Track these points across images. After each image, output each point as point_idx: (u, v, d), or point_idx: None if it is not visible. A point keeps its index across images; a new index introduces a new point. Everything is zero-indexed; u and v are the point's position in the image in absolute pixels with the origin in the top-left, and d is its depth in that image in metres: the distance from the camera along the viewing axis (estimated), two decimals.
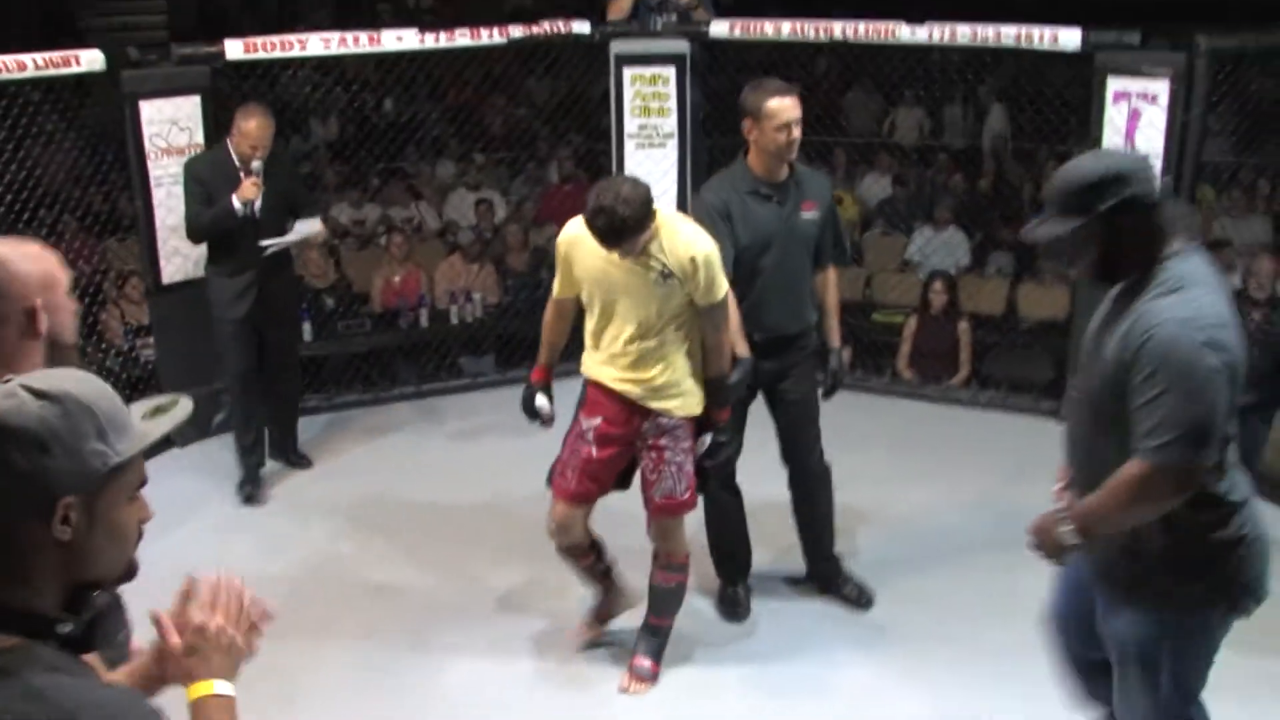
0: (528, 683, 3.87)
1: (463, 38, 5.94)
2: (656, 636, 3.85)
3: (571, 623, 4.07)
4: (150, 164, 5.35)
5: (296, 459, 5.50)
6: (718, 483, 4.11)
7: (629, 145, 6.13)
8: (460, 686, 3.87)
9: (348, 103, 9.56)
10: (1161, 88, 5.20)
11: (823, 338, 4.16)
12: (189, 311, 5.31)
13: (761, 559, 4.34)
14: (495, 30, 6.00)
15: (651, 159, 6.10)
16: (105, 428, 1.43)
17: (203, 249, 5.17)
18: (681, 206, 5.91)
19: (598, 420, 3.62)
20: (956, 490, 5.06)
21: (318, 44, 5.78)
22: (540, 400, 3.75)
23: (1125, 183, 2.40)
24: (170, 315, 5.56)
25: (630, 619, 3.99)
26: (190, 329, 5.32)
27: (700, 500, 4.13)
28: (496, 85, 8.51)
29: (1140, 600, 2.54)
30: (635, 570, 3.94)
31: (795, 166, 3.89)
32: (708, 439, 3.68)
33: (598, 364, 3.62)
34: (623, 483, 3.79)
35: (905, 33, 5.73)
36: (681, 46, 6.03)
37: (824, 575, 4.29)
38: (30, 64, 4.99)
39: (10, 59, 4.94)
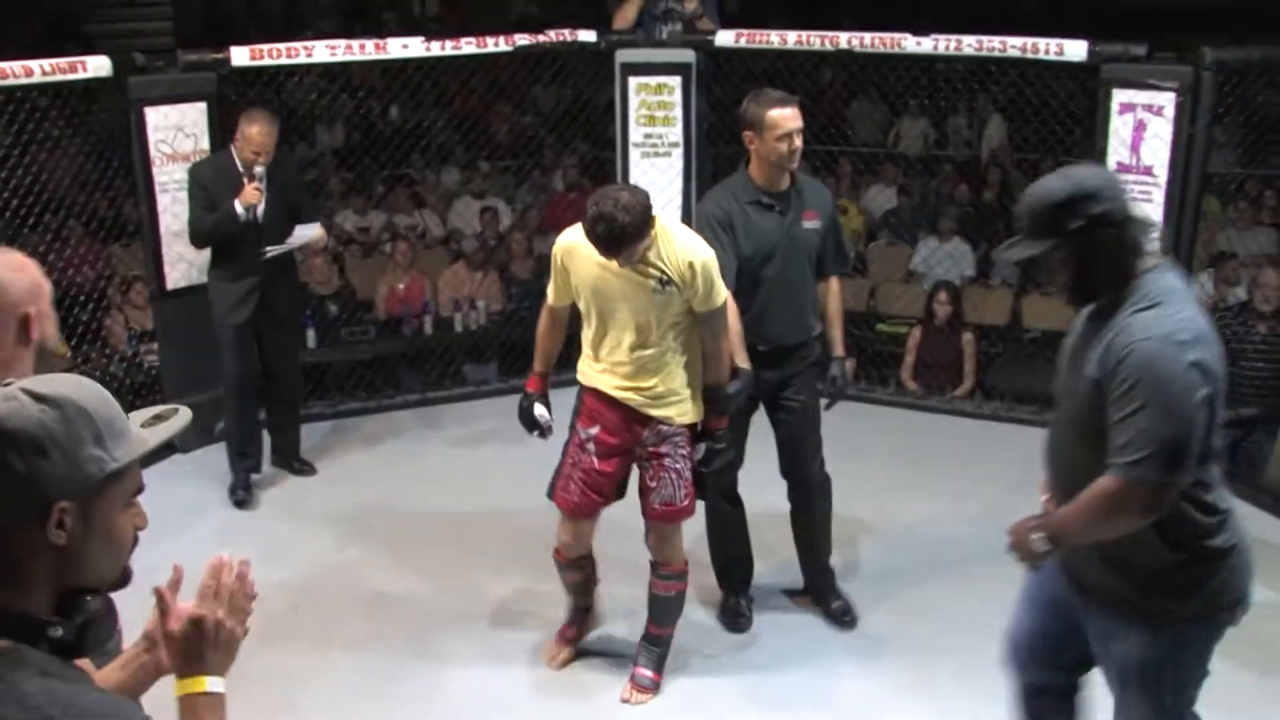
0: (528, 691, 3.86)
1: (469, 45, 5.95)
2: (658, 646, 3.84)
3: None
4: (155, 170, 5.36)
5: (299, 466, 5.49)
6: (719, 493, 4.12)
7: (634, 154, 6.13)
8: (461, 695, 3.86)
9: (354, 110, 9.59)
10: (1167, 99, 5.20)
11: (826, 348, 4.15)
12: (193, 317, 5.31)
13: (764, 570, 4.33)
14: (501, 38, 6.02)
15: (656, 168, 6.10)
16: (103, 434, 1.43)
17: (207, 255, 5.17)
18: (686, 216, 5.91)
19: (596, 429, 3.61)
20: (960, 501, 5.05)
21: (324, 51, 5.79)
22: (539, 410, 3.73)
23: (1095, 200, 2.38)
24: (174, 321, 5.57)
25: (631, 629, 3.98)
26: (194, 335, 5.32)
27: (702, 511, 4.14)
28: (502, 93, 8.51)
29: (1143, 620, 2.52)
30: (630, 582, 3.94)
31: (796, 176, 3.89)
32: (702, 447, 3.67)
33: (596, 373, 3.61)
34: (619, 492, 3.78)
35: (911, 43, 5.74)
36: (687, 56, 6.03)
37: (817, 587, 4.26)
38: (37, 70, 5.00)
39: (17, 65, 4.95)
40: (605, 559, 3.98)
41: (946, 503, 5.04)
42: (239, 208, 4.88)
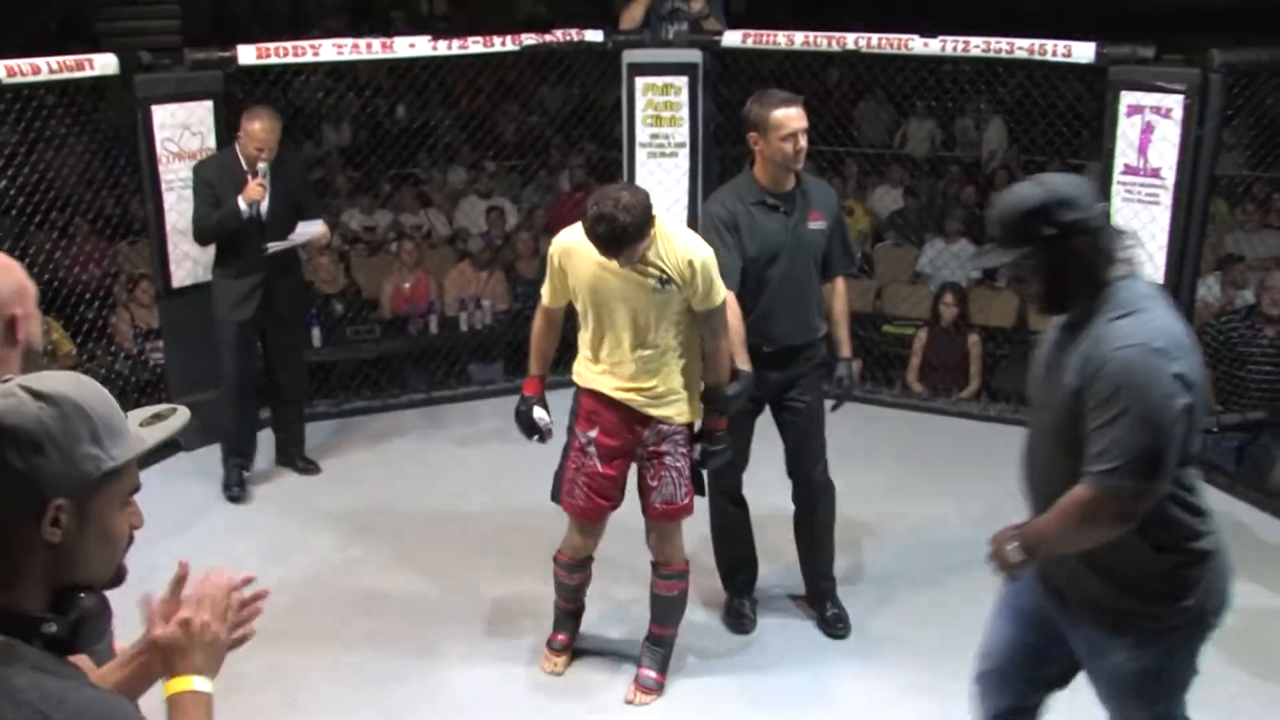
0: (531, 691, 3.86)
1: (475, 45, 5.95)
2: (661, 647, 3.84)
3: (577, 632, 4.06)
4: (162, 168, 5.36)
5: (304, 465, 5.50)
6: (724, 494, 4.11)
7: (640, 154, 6.13)
8: (464, 694, 3.86)
9: (360, 109, 9.59)
10: (1176, 102, 5.18)
11: (833, 348, 4.13)
12: (198, 315, 5.32)
13: (768, 572, 4.32)
14: (508, 38, 6.02)
15: (663, 168, 6.10)
16: (100, 432, 1.43)
17: (212, 252, 5.17)
18: (692, 217, 5.90)
19: (595, 432, 3.60)
20: (966, 503, 5.04)
21: (330, 50, 5.79)
22: (539, 413, 3.70)
23: (1069, 207, 2.37)
24: (180, 319, 5.57)
25: (633, 629, 3.97)
26: (199, 333, 5.32)
27: (707, 512, 4.14)
28: (509, 93, 8.51)
29: (1134, 630, 2.49)
30: (630, 582, 3.93)
31: (802, 177, 3.87)
32: (698, 447, 3.67)
33: (596, 374, 3.59)
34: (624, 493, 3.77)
35: (918, 44, 5.72)
36: (694, 56, 6.03)
37: (815, 592, 4.23)
38: (44, 68, 5.00)
39: (24, 62, 4.95)
40: (605, 559, 3.97)
41: (952, 505, 5.03)
42: (242, 204, 4.89)
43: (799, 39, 5.93)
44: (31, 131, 5.39)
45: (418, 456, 5.75)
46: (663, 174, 6.08)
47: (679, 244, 3.42)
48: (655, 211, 3.35)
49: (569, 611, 3.96)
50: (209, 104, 5.44)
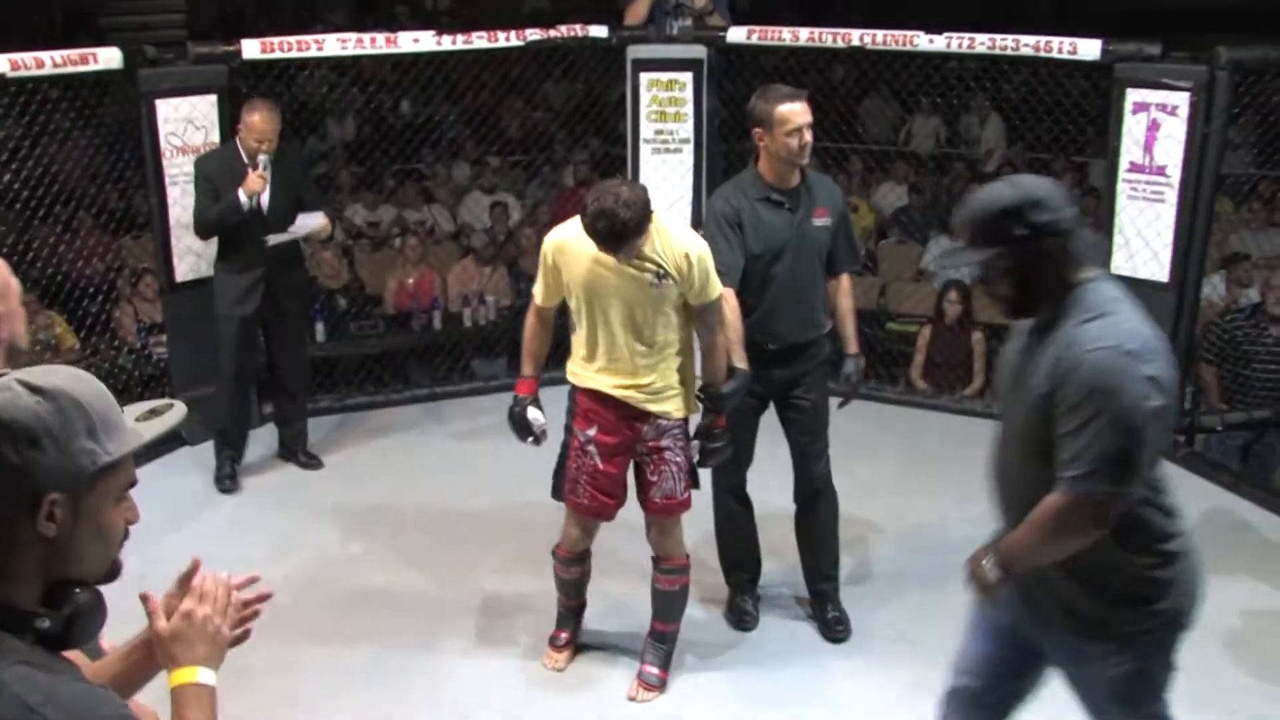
0: (534, 687, 3.86)
1: (480, 40, 5.94)
2: (664, 643, 3.83)
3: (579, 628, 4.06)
4: (165, 162, 5.36)
5: (307, 460, 5.49)
6: (728, 492, 4.10)
7: (645, 150, 6.12)
8: (466, 690, 3.85)
9: (364, 104, 9.58)
10: (1182, 99, 5.17)
11: (839, 345, 4.12)
12: (202, 310, 5.31)
13: (771, 570, 4.31)
14: (513, 33, 6.00)
15: (667, 164, 6.09)
16: (97, 427, 1.43)
17: (216, 247, 5.17)
18: (697, 212, 5.90)
19: (594, 430, 3.60)
20: (969, 501, 5.00)
21: (335, 44, 5.79)
22: (533, 413, 3.68)
23: (1041, 208, 2.35)
24: (183, 314, 5.56)
25: (635, 624, 3.96)
26: (203, 327, 5.32)
27: (710, 509, 4.13)
28: (513, 88, 8.51)
29: (1116, 636, 2.47)
30: (631, 579, 3.93)
31: (806, 173, 3.86)
32: (697, 444, 3.67)
33: (592, 372, 3.58)
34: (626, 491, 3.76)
35: (924, 41, 5.71)
36: (698, 52, 6.02)
37: (816, 593, 4.19)
38: (48, 61, 5.00)
39: (28, 56, 4.95)
40: (606, 556, 3.97)
41: (955, 503, 5.01)
42: (242, 196, 4.89)
43: (804, 35, 5.92)
44: (35, 125, 5.40)
45: (420, 452, 5.75)
46: (667, 170, 6.08)
47: (675, 238, 3.42)
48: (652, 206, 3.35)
49: (571, 608, 3.96)
50: (213, 98, 5.43)
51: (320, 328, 6.66)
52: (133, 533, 1.56)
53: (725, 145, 6.28)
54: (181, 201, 5.36)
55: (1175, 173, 5.24)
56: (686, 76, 6.00)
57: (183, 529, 4.57)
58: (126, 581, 1.57)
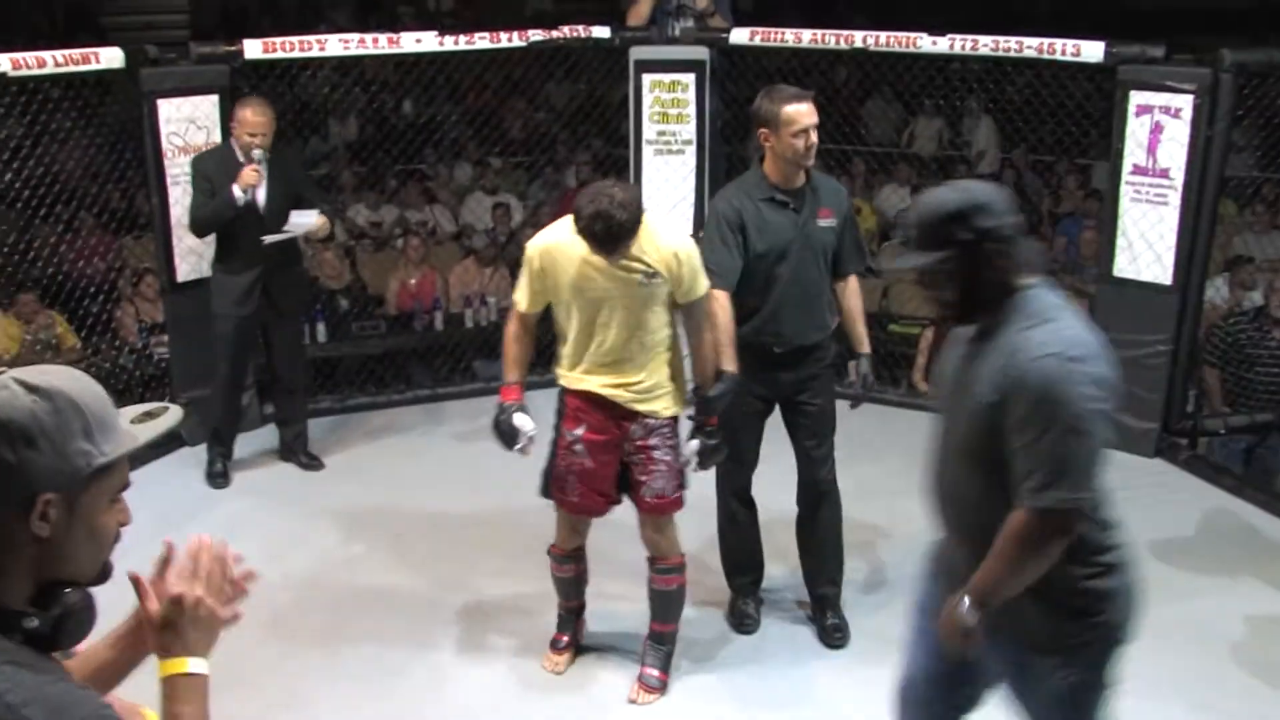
0: (534, 691, 3.85)
1: (482, 41, 5.94)
2: (663, 645, 3.82)
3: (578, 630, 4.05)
4: (167, 162, 5.35)
5: (307, 460, 5.49)
6: (732, 495, 4.09)
7: (647, 151, 6.11)
8: (466, 691, 3.85)
9: (367, 104, 9.58)
10: (1185, 102, 5.16)
11: (851, 345, 4.10)
12: (203, 310, 5.31)
13: (774, 573, 4.30)
14: (515, 34, 6.00)
15: (670, 165, 6.08)
16: (93, 428, 1.42)
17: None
18: (699, 214, 5.89)
19: (581, 430, 3.59)
20: None
21: (337, 45, 5.78)
22: (521, 419, 3.61)
23: (986, 213, 2.34)
24: (184, 313, 5.56)
25: (636, 628, 3.95)
26: (204, 328, 5.31)
27: (714, 511, 4.12)
28: (516, 89, 8.50)
29: (1060, 647, 2.43)
30: (629, 580, 3.92)
31: (812, 174, 3.84)
32: (695, 444, 3.64)
33: (581, 374, 3.57)
34: (619, 489, 3.74)
35: (926, 43, 5.70)
36: (701, 53, 6.01)
37: (817, 599, 4.17)
38: (50, 61, 4.99)
39: (30, 55, 4.95)
40: (605, 558, 3.96)
41: None
42: (237, 190, 4.89)
43: (807, 37, 5.91)
44: (37, 125, 5.40)
45: (422, 452, 5.75)
46: (669, 171, 6.07)
47: (663, 237, 3.43)
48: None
49: (570, 609, 3.95)
50: (215, 98, 5.43)
51: (322, 328, 6.65)
52: (133, 532, 1.55)
53: (728, 147, 6.27)
54: (183, 202, 5.35)
55: (1178, 175, 5.23)
56: (689, 78, 6.00)
57: (182, 529, 4.54)
58: (119, 583, 1.56)
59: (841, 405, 4.13)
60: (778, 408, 4.02)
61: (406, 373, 6.91)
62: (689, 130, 6.06)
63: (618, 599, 4.17)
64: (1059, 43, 5.43)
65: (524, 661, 3.97)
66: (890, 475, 5.26)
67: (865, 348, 4.09)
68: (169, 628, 1.56)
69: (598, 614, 4.09)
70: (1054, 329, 2.30)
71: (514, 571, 4.46)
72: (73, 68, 5.10)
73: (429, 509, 5.06)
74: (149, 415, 1.55)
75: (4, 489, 1.37)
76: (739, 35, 6.02)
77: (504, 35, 5.98)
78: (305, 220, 5.06)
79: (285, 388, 5.42)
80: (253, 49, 5.53)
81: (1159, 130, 5.26)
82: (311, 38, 5.77)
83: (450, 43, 5.90)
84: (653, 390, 3.56)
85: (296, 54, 5.68)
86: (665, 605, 3.79)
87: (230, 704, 3.53)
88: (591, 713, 3.75)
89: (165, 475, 5.11)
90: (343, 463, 5.57)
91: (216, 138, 5.40)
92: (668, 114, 6.06)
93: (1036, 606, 2.42)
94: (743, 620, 4.16)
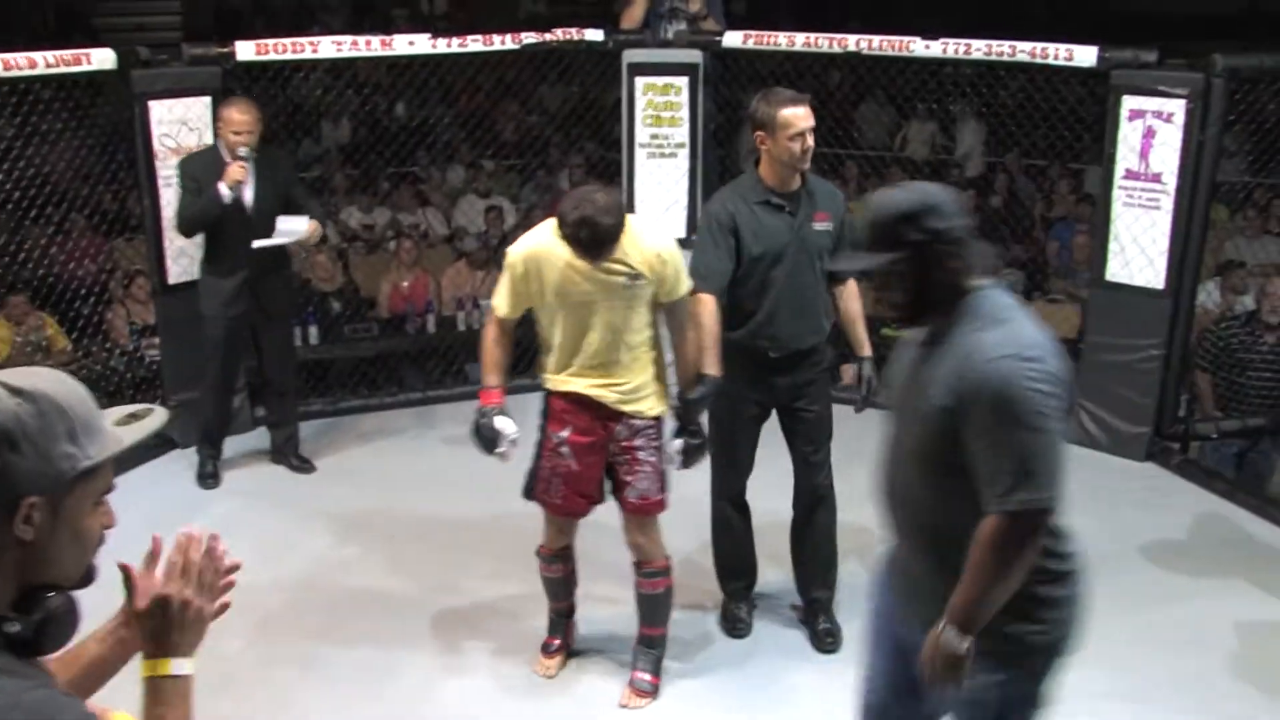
0: (525, 694, 3.84)
1: (475, 43, 5.93)
2: (653, 648, 3.81)
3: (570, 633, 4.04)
4: (159, 164, 5.34)
5: (299, 463, 5.47)
6: (726, 499, 4.09)
7: (640, 155, 6.11)
8: (457, 697, 3.83)
9: (359, 106, 9.57)
10: (1178, 106, 5.17)
11: (851, 348, 4.10)
12: (195, 312, 5.29)
13: (767, 577, 4.29)
14: (508, 37, 5.99)
15: (663, 169, 6.08)
16: (78, 430, 1.41)
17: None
18: (692, 217, 5.89)
19: (567, 432, 3.58)
20: None
21: (330, 47, 5.77)
22: (502, 422, 3.59)
23: (938, 215, 2.34)
24: (176, 315, 5.54)
25: (627, 631, 3.94)
26: (196, 330, 5.30)
27: (708, 515, 4.12)
28: (509, 92, 8.49)
29: (999, 654, 2.38)
30: (620, 584, 3.91)
31: (807, 177, 3.84)
32: (678, 443, 3.65)
33: (567, 376, 3.57)
34: (602, 491, 3.73)
35: (919, 47, 5.71)
36: (694, 57, 6.01)
37: (809, 603, 4.15)
38: (41, 62, 4.98)
39: (21, 56, 4.93)
40: (595, 562, 3.95)
41: None
42: (223, 188, 4.88)
43: (800, 40, 5.91)
44: (28, 126, 5.37)
45: (413, 456, 5.73)
46: (662, 174, 6.07)
47: (645, 239, 3.44)
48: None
49: (560, 612, 3.94)
50: (207, 100, 5.41)
51: (314, 330, 6.64)
52: (122, 534, 1.54)
53: (721, 150, 6.27)
54: (174, 204, 5.34)
55: (1171, 180, 5.24)
56: (682, 81, 5.99)
57: (172, 530, 4.54)
58: (104, 585, 1.54)
59: (846, 410, 4.12)
60: (775, 413, 4.02)
61: (398, 375, 6.90)
62: (682, 133, 6.05)
63: (609, 602, 4.15)
64: (1052, 47, 5.44)
65: (515, 665, 3.96)
66: None
67: (866, 350, 4.09)
68: (154, 627, 1.55)
69: (589, 617, 4.08)
70: (1007, 330, 2.30)
71: (506, 574, 4.44)
72: (64, 69, 5.09)
73: (421, 512, 5.04)
74: (134, 417, 1.54)
75: None
76: (732, 38, 6.02)
77: (497, 38, 5.97)
78: (295, 227, 5.03)
79: (276, 390, 5.41)
80: (245, 51, 5.51)
81: (1151, 135, 5.27)
82: (304, 40, 5.76)
83: (443, 45, 5.89)
84: (638, 391, 3.56)
85: (289, 56, 5.67)
86: (653, 609, 3.78)
87: (220, 706, 3.52)
88: (583, 717, 3.74)
89: (156, 477, 5.09)
90: (334, 465, 5.56)
91: (208, 139, 5.38)
92: (661, 117, 6.05)
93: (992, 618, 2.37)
94: (735, 624, 4.15)
